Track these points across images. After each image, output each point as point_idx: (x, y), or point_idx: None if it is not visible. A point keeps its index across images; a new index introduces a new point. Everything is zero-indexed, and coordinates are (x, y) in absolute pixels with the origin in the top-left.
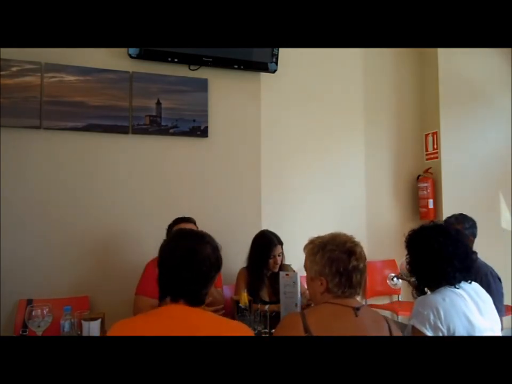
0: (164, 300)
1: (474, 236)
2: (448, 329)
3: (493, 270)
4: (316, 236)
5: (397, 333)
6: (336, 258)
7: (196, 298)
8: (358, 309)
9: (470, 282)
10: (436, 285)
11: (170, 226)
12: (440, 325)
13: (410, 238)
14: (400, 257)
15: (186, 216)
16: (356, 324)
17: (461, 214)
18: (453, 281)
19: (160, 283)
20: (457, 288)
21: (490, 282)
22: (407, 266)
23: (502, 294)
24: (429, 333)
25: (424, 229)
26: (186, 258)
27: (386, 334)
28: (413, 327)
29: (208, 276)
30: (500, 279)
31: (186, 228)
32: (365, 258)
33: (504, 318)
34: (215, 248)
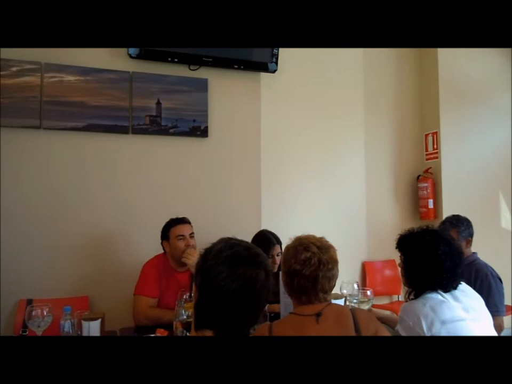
0: (202, 330)
1: (471, 235)
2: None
3: (493, 270)
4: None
5: (365, 325)
6: (287, 258)
7: (242, 336)
8: (319, 315)
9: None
10: (427, 290)
11: (166, 227)
12: (422, 332)
13: (407, 242)
14: None
15: (184, 216)
16: (316, 333)
17: (454, 217)
18: (450, 288)
19: (203, 311)
20: (446, 292)
21: (491, 283)
22: (401, 271)
23: (502, 294)
24: None
25: (422, 233)
26: (245, 292)
27: (351, 333)
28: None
29: (262, 309)
30: (500, 279)
31: (236, 242)
32: (317, 267)
33: (504, 317)
34: (269, 273)
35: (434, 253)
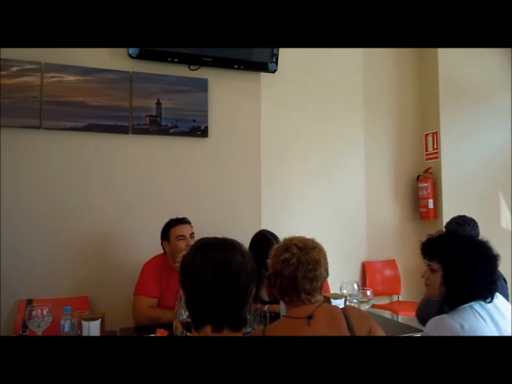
0: (202, 328)
1: (477, 236)
2: None
3: (499, 271)
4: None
5: (358, 324)
6: (271, 259)
7: (240, 321)
8: (310, 317)
9: None
10: (467, 301)
11: (166, 228)
12: None
13: (448, 246)
14: (401, 257)
15: (184, 216)
16: (308, 335)
17: (460, 217)
18: (490, 296)
19: (194, 309)
20: (486, 303)
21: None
22: (441, 280)
23: (507, 295)
24: None
25: (460, 237)
26: (221, 273)
27: (345, 333)
28: None
29: (248, 289)
30: (505, 280)
31: (207, 237)
32: (296, 268)
33: None
34: (245, 254)
35: (487, 259)
